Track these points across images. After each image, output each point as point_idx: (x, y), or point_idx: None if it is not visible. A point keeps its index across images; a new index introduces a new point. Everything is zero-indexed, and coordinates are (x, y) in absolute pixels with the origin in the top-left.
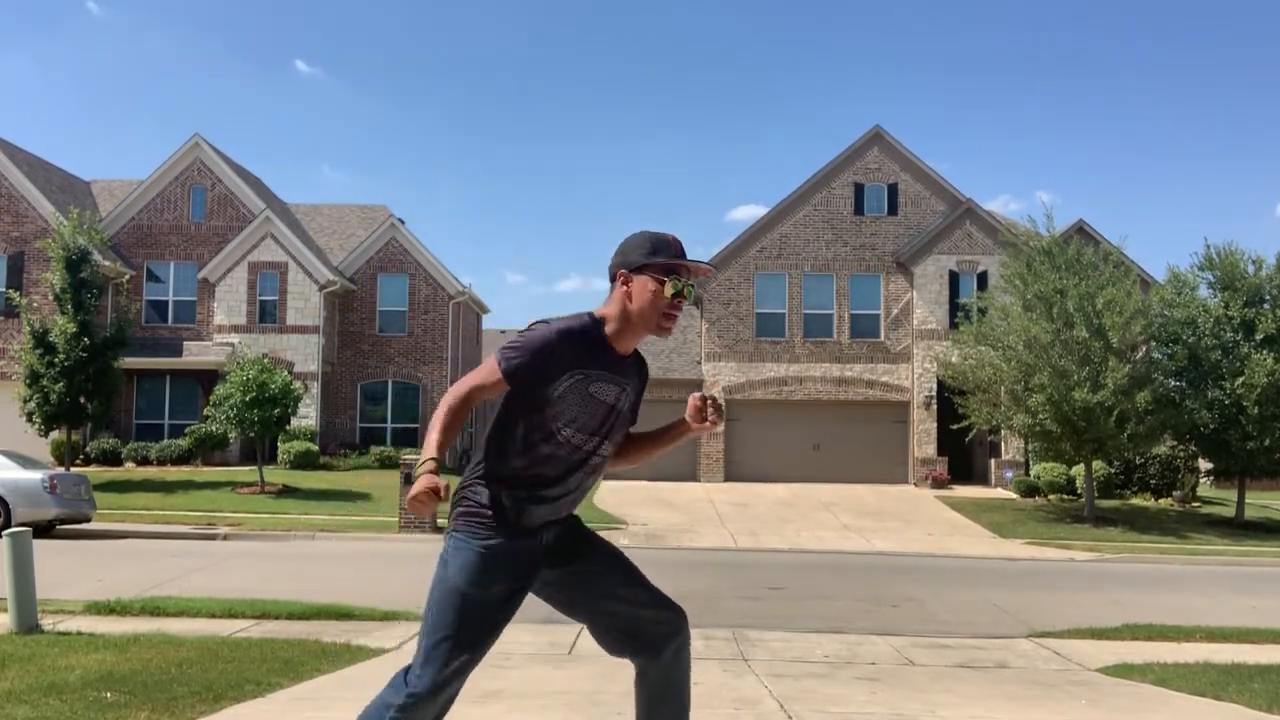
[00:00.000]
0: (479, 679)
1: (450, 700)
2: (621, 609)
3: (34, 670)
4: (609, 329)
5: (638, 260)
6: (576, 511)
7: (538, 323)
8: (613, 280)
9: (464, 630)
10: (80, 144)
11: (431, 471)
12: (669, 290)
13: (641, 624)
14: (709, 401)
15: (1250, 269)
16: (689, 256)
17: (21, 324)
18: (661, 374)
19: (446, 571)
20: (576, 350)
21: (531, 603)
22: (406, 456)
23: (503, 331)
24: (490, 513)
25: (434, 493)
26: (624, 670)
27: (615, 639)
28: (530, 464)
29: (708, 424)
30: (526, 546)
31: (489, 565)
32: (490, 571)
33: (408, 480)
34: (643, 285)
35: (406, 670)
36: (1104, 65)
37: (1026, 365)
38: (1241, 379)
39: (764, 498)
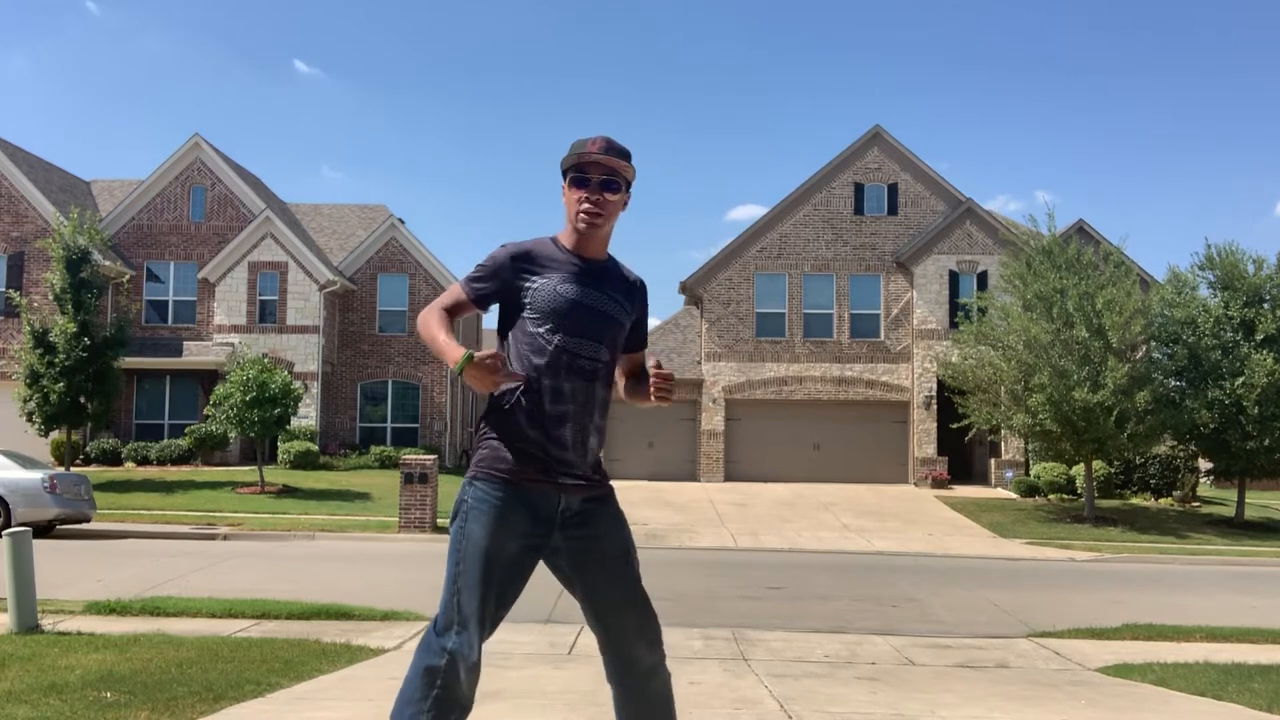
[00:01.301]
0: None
1: (479, 660)
2: (611, 607)
3: (34, 670)
4: (565, 241)
5: (561, 170)
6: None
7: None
8: None
9: (490, 580)
10: (80, 144)
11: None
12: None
13: (626, 626)
14: (663, 380)
15: (1250, 269)
16: (627, 160)
17: (21, 324)
18: None
19: (465, 521)
20: (533, 260)
21: (531, 602)
22: (407, 456)
23: None
24: (510, 449)
25: (493, 358)
26: None
27: (599, 631)
28: (534, 375)
29: (655, 400)
30: (544, 494)
31: (507, 514)
32: (508, 520)
33: (409, 480)
34: (566, 191)
35: (435, 630)
36: (1104, 64)
37: (1026, 365)
38: (1241, 379)
39: (764, 498)
